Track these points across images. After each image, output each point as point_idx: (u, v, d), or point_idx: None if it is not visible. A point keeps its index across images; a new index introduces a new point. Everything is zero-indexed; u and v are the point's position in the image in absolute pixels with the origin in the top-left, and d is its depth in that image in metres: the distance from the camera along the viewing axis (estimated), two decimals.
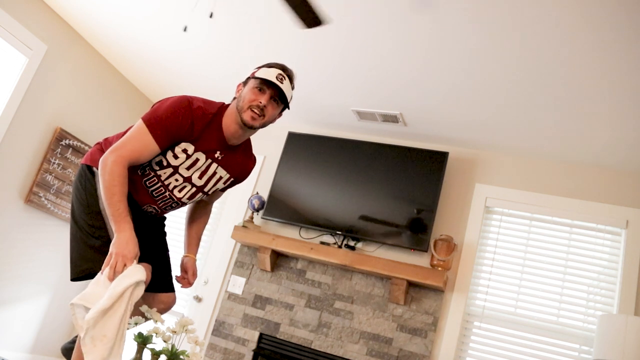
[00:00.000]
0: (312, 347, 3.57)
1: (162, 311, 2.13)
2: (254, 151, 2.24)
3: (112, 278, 1.70)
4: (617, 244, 3.36)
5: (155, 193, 2.03)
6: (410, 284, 3.49)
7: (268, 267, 3.83)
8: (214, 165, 2.04)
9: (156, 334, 1.95)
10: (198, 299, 4.00)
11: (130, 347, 2.00)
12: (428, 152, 3.76)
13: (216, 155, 2.03)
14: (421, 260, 3.60)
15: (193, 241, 2.28)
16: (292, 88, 2.04)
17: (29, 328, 3.80)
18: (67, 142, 3.82)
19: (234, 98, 2.03)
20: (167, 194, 2.04)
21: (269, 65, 1.98)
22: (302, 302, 3.71)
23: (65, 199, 3.84)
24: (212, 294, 3.98)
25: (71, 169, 3.87)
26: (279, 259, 3.89)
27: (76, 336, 1.95)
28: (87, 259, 1.87)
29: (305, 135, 4.13)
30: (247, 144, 2.16)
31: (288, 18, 2.89)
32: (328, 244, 3.69)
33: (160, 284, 2.10)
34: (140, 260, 1.83)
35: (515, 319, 3.37)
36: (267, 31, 3.14)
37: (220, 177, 2.10)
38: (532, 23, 2.44)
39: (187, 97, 1.94)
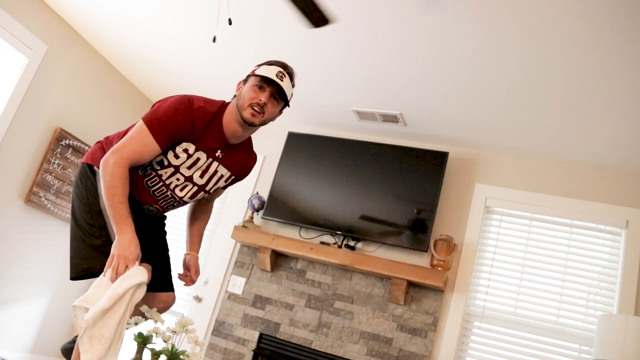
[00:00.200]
0: (312, 347, 3.57)
1: (162, 310, 2.13)
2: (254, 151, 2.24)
3: (114, 280, 1.70)
4: (617, 244, 3.36)
5: (157, 193, 2.03)
6: (410, 284, 3.49)
7: (268, 267, 3.83)
8: (215, 164, 2.04)
9: (156, 334, 1.95)
10: (198, 299, 3.99)
11: (130, 347, 2.00)
12: (428, 152, 3.76)
13: (217, 154, 2.03)
14: (421, 260, 3.60)
15: (195, 239, 2.28)
16: (293, 86, 2.03)
17: (29, 328, 3.80)
18: (67, 142, 3.82)
19: (234, 96, 2.02)
20: (168, 193, 2.04)
21: (269, 63, 1.98)
22: (302, 302, 3.71)
23: (65, 199, 3.84)
24: (212, 294, 3.98)
25: (71, 169, 3.87)
26: (279, 259, 3.89)
27: (76, 336, 1.95)
28: (87, 258, 1.87)
29: (305, 135, 4.13)
30: (248, 142, 2.15)
31: (288, 18, 2.89)
32: (328, 244, 3.69)
33: (159, 284, 2.10)
34: (140, 261, 1.83)
35: (515, 319, 3.36)
36: (267, 31, 3.14)
37: (222, 176, 2.10)
38: (532, 23, 2.44)
39: (188, 96, 1.94)
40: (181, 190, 2.05)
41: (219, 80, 3.94)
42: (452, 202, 3.72)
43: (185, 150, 1.96)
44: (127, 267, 1.73)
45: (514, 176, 3.69)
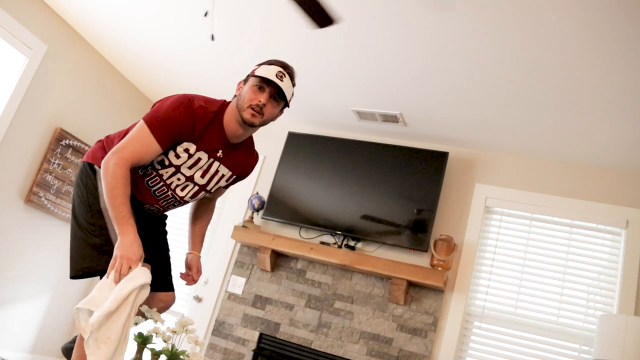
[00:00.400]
0: (312, 347, 3.57)
1: (162, 310, 2.13)
2: None
3: (117, 281, 1.69)
4: (617, 244, 3.36)
5: (158, 193, 2.03)
6: (410, 284, 3.49)
7: (268, 267, 3.83)
8: (216, 164, 2.04)
9: (156, 334, 1.95)
10: (198, 299, 3.99)
11: (131, 347, 2.00)
12: (428, 152, 3.76)
13: (218, 154, 2.02)
14: (421, 260, 3.60)
15: (197, 238, 2.28)
16: (293, 85, 2.01)
17: (29, 328, 3.80)
18: (67, 142, 3.82)
19: (235, 96, 2.02)
20: (169, 193, 2.04)
21: (269, 63, 1.97)
22: (302, 302, 3.71)
23: (65, 199, 3.84)
24: (212, 294, 3.98)
25: (71, 169, 3.87)
26: (279, 259, 3.89)
27: (76, 336, 1.95)
28: (86, 257, 1.87)
29: (305, 135, 4.13)
30: (249, 141, 2.15)
31: (288, 18, 2.89)
32: (328, 244, 3.69)
33: (159, 283, 2.10)
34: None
35: (515, 319, 3.37)
36: (267, 31, 3.14)
37: (223, 175, 2.09)
38: (532, 23, 2.44)
39: (188, 95, 1.93)
40: (182, 190, 2.05)
41: (219, 80, 3.94)
42: (452, 202, 3.72)
43: (186, 150, 1.95)
44: (130, 268, 1.72)
45: (514, 176, 3.69)
